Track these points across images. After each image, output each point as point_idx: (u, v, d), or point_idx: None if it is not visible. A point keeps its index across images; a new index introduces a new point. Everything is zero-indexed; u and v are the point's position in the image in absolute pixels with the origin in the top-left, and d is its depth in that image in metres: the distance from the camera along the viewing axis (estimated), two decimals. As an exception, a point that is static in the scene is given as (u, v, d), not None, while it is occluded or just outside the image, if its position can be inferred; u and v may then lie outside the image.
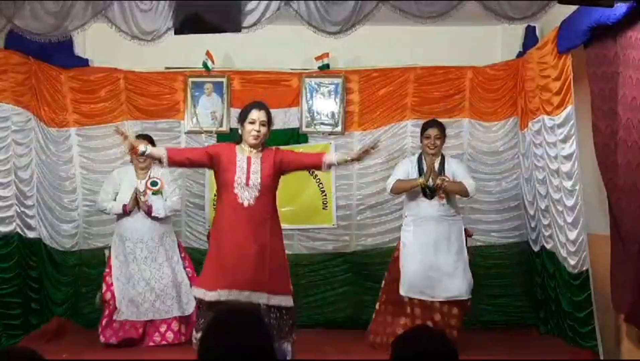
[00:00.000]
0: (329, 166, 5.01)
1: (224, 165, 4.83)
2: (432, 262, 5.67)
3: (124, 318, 5.90)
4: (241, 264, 4.69)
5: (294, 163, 5.01)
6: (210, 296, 4.69)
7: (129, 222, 5.97)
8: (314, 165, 5.22)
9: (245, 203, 4.77)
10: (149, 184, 5.98)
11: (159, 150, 4.97)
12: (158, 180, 6.01)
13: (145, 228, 5.98)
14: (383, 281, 5.97)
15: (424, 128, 5.92)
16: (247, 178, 4.78)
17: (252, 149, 4.87)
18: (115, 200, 5.99)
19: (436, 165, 5.81)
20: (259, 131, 4.83)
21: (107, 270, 6.03)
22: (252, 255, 4.71)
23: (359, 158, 5.02)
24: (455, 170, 5.86)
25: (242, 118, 4.93)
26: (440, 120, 6.68)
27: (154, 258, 5.98)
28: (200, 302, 4.82)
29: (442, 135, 5.87)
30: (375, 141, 5.32)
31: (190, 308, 5.86)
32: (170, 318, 5.98)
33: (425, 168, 5.80)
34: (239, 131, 4.96)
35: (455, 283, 5.67)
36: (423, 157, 5.89)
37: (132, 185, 5.95)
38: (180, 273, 6.08)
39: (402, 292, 5.70)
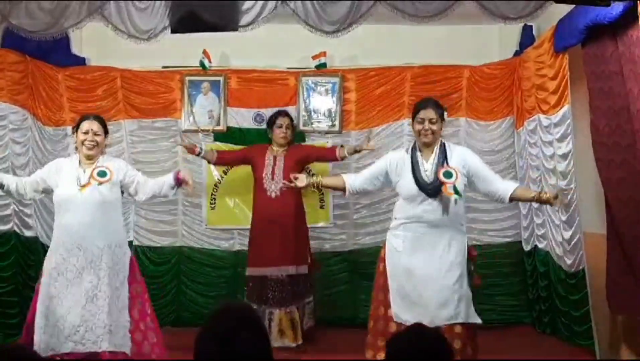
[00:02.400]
0: (342, 158, 6.15)
1: (256, 164, 6.16)
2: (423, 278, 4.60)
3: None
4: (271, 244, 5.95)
5: (313, 155, 6.35)
6: (250, 271, 6.03)
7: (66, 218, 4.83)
8: (331, 158, 6.27)
9: (273, 195, 6.02)
10: (94, 174, 4.81)
11: (212, 153, 6.34)
12: (107, 170, 4.86)
13: (91, 233, 4.80)
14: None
15: (416, 109, 4.80)
16: (273, 173, 6.02)
17: (279, 148, 6.16)
18: (36, 190, 4.96)
19: (434, 159, 4.70)
20: (285, 133, 6.17)
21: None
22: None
23: (360, 150, 6.05)
24: (469, 162, 4.71)
25: (271, 123, 6.24)
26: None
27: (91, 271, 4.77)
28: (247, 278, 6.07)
29: (440, 118, 4.77)
30: (369, 133, 6.05)
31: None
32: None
33: (422, 164, 4.70)
34: (268, 134, 6.28)
35: (449, 308, 4.57)
36: (417, 148, 4.79)
37: (71, 176, 4.84)
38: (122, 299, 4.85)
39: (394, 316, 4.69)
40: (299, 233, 6.11)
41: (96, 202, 4.80)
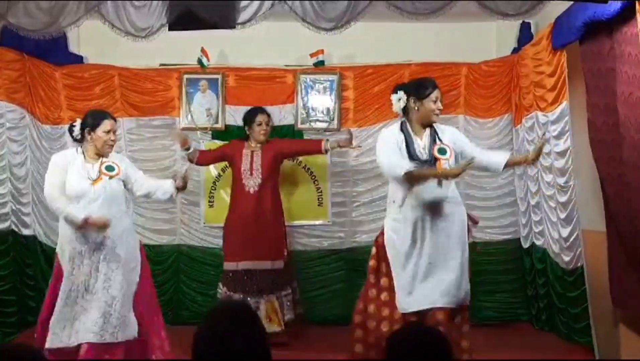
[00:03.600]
0: (326, 151, 6.18)
1: (234, 160, 6.15)
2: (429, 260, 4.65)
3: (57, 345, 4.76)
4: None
5: (293, 149, 6.37)
6: (227, 266, 6.03)
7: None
8: (316, 151, 6.26)
9: (251, 191, 6.03)
10: (103, 168, 4.90)
11: (194, 152, 6.22)
12: (115, 165, 4.96)
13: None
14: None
15: (426, 88, 4.72)
16: (251, 169, 6.02)
17: (257, 144, 6.12)
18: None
19: (427, 137, 4.71)
20: (266, 130, 6.13)
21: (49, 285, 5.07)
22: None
23: (343, 146, 6.13)
24: (460, 139, 4.85)
25: (250, 121, 6.16)
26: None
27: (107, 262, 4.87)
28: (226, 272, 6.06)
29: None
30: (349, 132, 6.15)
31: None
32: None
33: (416, 141, 4.68)
34: (246, 131, 6.19)
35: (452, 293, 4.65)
36: (409, 128, 4.74)
37: (80, 171, 4.85)
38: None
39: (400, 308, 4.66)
40: (275, 228, 6.14)
41: (107, 195, 4.88)
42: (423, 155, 4.65)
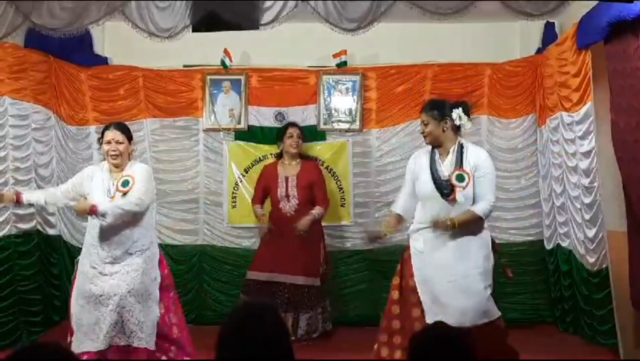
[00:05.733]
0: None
1: (269, 188, 6.34)
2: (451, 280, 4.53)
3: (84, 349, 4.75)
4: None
5: (317, 188, 6.31)
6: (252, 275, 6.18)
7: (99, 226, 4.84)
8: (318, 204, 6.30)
9: (288, 215, 6.21)
10: (119, 185, 4.83)
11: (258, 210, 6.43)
12: (130, 179, 4.84)
13: (119, 239, 4.82)
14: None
15: (455, 107, 4.64)
16: (287, 196, 6.23)
17: (290, 161, 6.34)
18: (68, 197, 4.99)
19: (450, 159, 4.61)
20: (297, 142, 6.30)
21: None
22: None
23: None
24: (480, 168, 4.59)
25: (281, 135, 6.31)
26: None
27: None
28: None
29: (434, 119, 4.68)
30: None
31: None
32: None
33: (440, 163, 4.63)
34: (279, 146, 6.38)
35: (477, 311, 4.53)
36: (437, 152, 4.70)
37: (101, 186, 4.87)
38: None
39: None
40: (311, 248, 6.22)
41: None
42: (443, 177, 4.57)
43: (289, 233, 6.10)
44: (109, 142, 4.87)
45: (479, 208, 4.50)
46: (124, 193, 4.77)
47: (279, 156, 6.44)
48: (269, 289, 6.10)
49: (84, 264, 4.86)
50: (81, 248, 6.64)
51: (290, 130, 6.31)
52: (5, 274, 5.90)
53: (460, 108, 4.63)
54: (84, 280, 4.81)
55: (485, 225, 4.66)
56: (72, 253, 6.68)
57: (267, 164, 6.56)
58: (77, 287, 4.85)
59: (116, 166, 4.89)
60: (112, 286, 4.74)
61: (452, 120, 4.62)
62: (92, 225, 4.84)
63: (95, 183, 4.88)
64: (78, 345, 4.73)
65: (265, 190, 6.38)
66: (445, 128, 4.63)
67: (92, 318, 4.73)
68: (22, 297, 6.07)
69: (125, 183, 4.84)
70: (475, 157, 4.60)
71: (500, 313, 4.60)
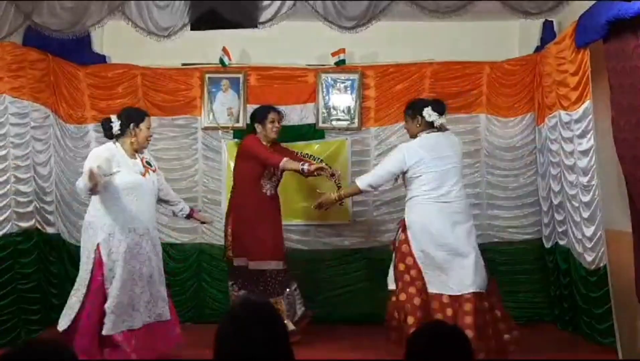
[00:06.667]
0: (303, 172, 5.82)
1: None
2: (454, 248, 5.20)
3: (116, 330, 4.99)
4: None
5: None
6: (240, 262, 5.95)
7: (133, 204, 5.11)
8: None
9: (268, 193, 5.97)
10: (145, 163, 5.30)
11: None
12: (152, 162, 5.44)
13: (150, 217, 5.28)
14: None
15: (426, 106, 5.41)
16: (273, 173, 5.96)
17: (267, 144, 5.97)
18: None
19: None
20: (278, 128, 6.01)
21: (89, 274, 5.07)
22: None
23: (308, 175, 5.90)
24: None
25: (262, 118, 5.99)
26: (457, 115, 6.71)
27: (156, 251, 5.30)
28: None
29: (409, 118, 5.54)
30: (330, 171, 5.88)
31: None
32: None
33: None
34: (255, 128, 6.00)
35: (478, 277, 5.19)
36: None
37: (128, 164, 5.13)
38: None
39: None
40: (280, 228, 6.15)
41: (153, 187, 5.32)
42: None
43: (268, 215, 5.94)
44: (149, 127, 5.32)
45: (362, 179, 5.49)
46: (154, 171, 5.34)
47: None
48: (252, 276, 5.95)
49: (120, 246, 5.01)
50: (78, 247, 6.69)
51: (273, 116, 6.01)
52: (5, 272, 5.91)
53: (430, 107, 5.36)
54: (128, 260, 5.02)
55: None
56: (70, 251, 6.68)
57: (252, 137, 6.07)
58: (121, 268, 4.98)
59: (139, 151, 5.29)
60: (152, 261, 5.19)
61: (424, 117, 5.35)
62: (128, 205, 5.05)
63: (121, 161, 5.12)
64: (116, 325, 4.95)
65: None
66: (418, 124, 5.40)
67: (133, 297, 5.04)
68: (21, 295, 6.07)
69: (150, 164, 5.35)
70: None
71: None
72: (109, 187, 5.02)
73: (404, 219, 5.38)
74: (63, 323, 5.05)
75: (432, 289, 5.17)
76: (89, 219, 5.16)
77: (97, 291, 4.98)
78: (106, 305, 4.95)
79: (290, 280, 6.04)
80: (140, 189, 5.14)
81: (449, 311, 5.08)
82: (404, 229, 5.34)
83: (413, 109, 5.44)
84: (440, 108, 5.37)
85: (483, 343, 4.98)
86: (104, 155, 5.06)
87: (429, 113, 5.33)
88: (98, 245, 5.02)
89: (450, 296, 5.11)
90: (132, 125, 5.18)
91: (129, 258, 5.02)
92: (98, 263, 5.01)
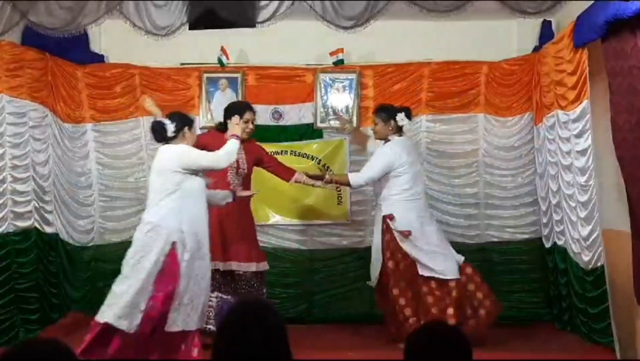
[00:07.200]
0: (297, 182, 5.96)
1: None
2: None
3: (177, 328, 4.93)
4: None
5: (267, 163, 5.97)
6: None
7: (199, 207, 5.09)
8: (285, 178, 5.99)
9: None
10: None
11: None
12: None
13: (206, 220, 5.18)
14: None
15: (399, 112, 5.87)
16: (237, 167, 5.65)
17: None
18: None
19: None
20: (252, 129, 5.74)
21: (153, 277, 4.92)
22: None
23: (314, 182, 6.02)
24: None
25: (236, 115, 5.59)
26: (455, 115, 6.71)
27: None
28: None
29: (380, 121, 5.91)
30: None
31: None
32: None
33: None
34: (227, 123, 5.59)
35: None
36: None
37: None
38: None
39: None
40: (253, 230, 5.89)
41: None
42: None
43: (234, 213, 5.63)
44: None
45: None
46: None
47: (223, 130, 5.68)
48: (222, 278, 5.68)
49: (192, 241, 4.96)
50: (78, 247, 6.69)
51: (248, 116, 5.67)
52: (3, 272, 5.90)
53: (403, 113, 5.81)
54: (202, 256, 5.03)
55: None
56: (69, 251, 6.68)
57: (214, 131, 5.94)
58: (189, 269, 4.93)
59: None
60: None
61: (397, 122, 5.79)
62: (193, 207, 5.00)
63: None
64: (184, 323, 4.88)
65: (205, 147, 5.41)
66: (390, 128, 5.82)
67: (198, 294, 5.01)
68: (19, 295, 6.06)
69: None
70: None
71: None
72: (187, 189, 4.96)
73: (384, 219, 5.76)
74: (126, 323, 4.83)
75: (423, 272, 5.64)
76: (156, 221, 4.92)
77: (170, 293, 4.89)
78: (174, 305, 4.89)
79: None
80: (203, 193, 5.08)
81: (437, 293, 5.61)
82: (388, 229, 5.74)
83: (387, 113, 5.85)
84: (410, 115, 5.90)
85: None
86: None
87: (401, 119, 5.80)
88: (174, 243, 4.89)
89: (437, 281, 5.62)
90: (185, 128, 5.07)
91: (189, 258, 4.93)
92: (173, 262, 4.90)
